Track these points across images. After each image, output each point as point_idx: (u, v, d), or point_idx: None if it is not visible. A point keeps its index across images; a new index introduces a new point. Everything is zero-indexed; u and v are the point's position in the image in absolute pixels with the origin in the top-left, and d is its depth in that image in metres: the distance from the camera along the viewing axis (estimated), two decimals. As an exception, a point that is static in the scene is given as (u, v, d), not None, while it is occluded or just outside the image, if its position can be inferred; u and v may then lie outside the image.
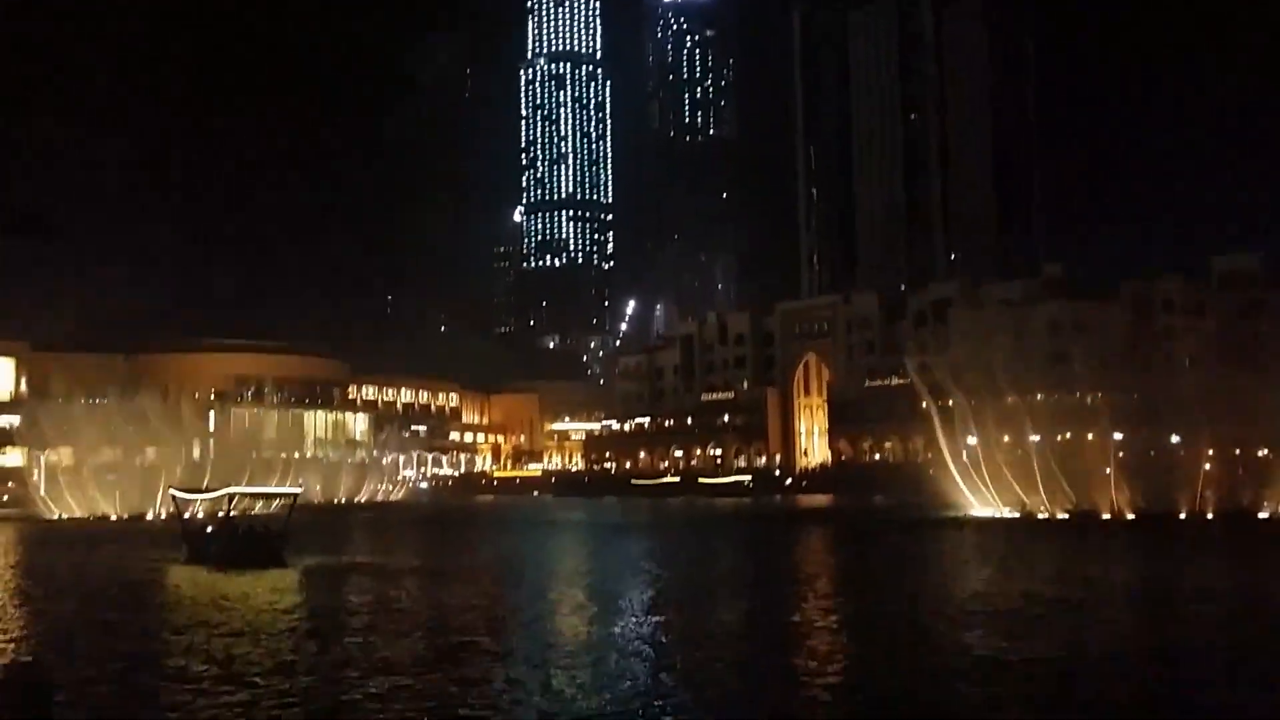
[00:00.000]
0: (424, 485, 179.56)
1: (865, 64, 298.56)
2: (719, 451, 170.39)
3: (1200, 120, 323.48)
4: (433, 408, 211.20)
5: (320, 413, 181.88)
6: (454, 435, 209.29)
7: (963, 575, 39.06)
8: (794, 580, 40.42)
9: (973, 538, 56.45)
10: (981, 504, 76.96)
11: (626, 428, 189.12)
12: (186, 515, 55.17)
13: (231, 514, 51.51)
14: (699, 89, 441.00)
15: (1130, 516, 69.68)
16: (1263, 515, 68.26)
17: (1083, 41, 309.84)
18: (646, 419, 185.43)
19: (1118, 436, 77.02)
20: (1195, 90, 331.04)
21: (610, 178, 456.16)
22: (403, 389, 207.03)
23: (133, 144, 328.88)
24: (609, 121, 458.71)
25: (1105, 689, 19.03)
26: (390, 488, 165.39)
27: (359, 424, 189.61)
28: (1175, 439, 78.24)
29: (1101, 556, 45.56)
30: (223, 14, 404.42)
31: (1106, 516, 70.75)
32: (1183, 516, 68.32)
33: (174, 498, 59.05)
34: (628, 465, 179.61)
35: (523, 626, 28.18)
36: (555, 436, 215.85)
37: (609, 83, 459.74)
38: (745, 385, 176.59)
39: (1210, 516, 68.20)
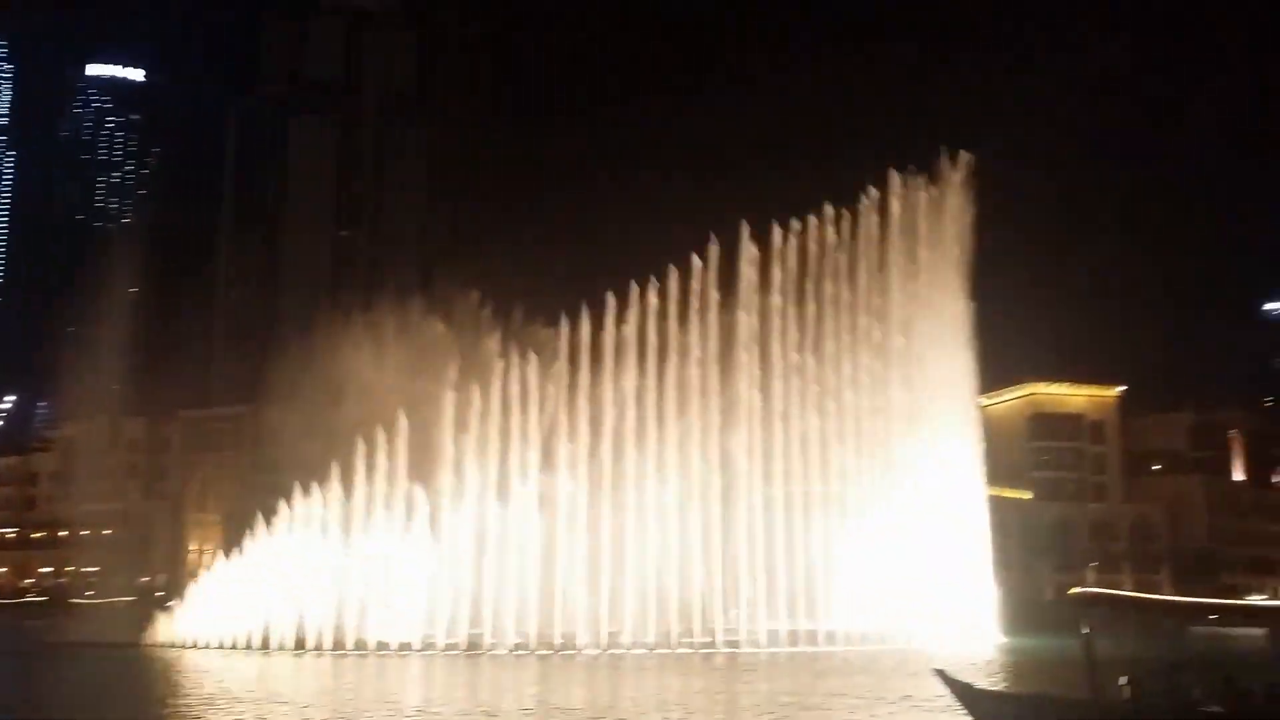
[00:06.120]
0: None
1: (302, 174, 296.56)
2: (97, 568, 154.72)
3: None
4: None
5: None
6: None
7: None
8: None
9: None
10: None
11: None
12: None
13: None
14: (116, 173, 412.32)
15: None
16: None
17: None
18: (16, 529, 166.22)
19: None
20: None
21: (1, 256, 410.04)
22: None
23: None
24: (8, 195, 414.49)
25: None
26: None
27: None
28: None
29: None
30: None
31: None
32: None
33: None
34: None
35: None
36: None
37: (15, 153, 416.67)
38: (140, 496, 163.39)
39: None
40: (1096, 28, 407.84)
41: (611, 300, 79.91)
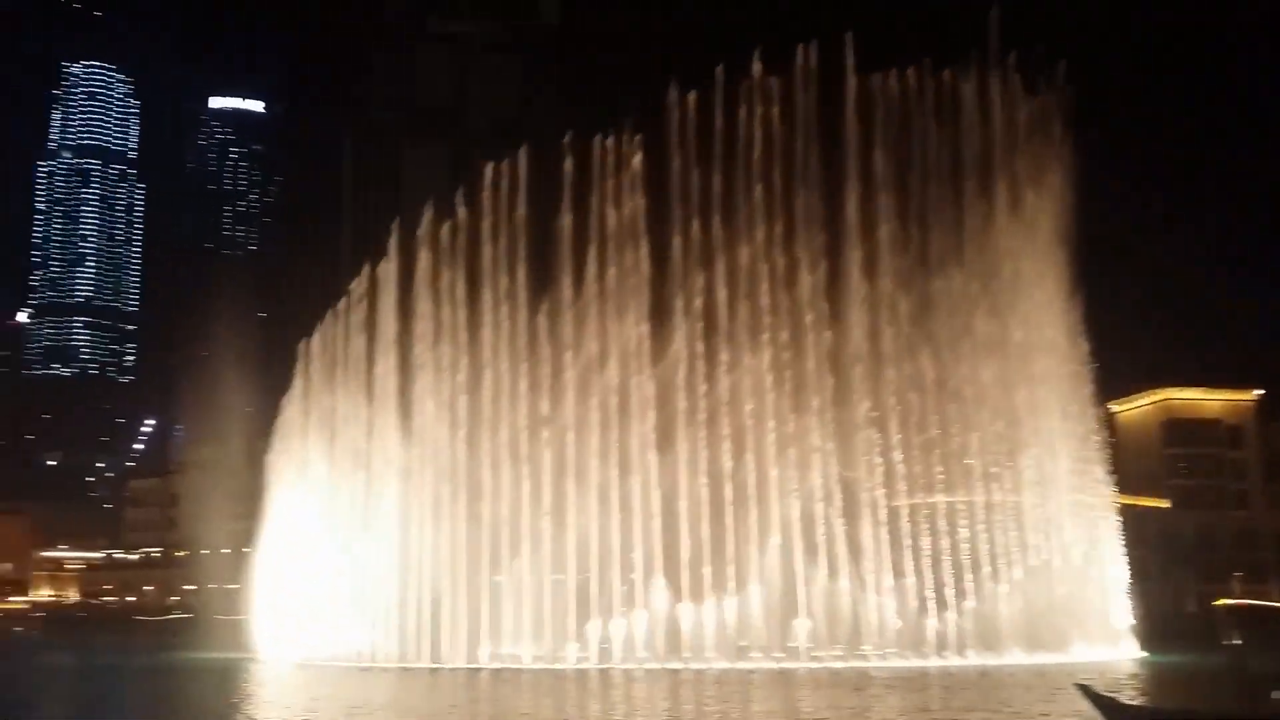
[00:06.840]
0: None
1: (416, 198, 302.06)
2: (237, 585, 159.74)
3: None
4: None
5: None
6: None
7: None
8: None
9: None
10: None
11: (134, 557, 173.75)
12: None
13: None
14: (241, 202, 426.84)
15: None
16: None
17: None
18: (160, 549, 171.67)
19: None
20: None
21: (136, 285, 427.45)
22: None
23: None
24: (140, 225, 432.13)
25: None
26: None
27: None
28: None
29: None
30: None
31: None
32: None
33: None
34: (134, 598, 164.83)
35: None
36: (47, 565, 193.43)
37: (144, 186, 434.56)
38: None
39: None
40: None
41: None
